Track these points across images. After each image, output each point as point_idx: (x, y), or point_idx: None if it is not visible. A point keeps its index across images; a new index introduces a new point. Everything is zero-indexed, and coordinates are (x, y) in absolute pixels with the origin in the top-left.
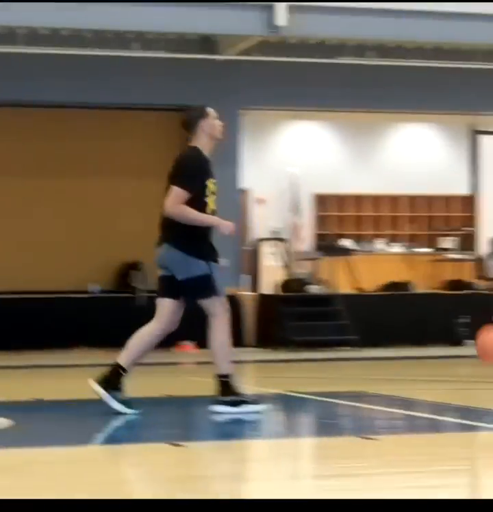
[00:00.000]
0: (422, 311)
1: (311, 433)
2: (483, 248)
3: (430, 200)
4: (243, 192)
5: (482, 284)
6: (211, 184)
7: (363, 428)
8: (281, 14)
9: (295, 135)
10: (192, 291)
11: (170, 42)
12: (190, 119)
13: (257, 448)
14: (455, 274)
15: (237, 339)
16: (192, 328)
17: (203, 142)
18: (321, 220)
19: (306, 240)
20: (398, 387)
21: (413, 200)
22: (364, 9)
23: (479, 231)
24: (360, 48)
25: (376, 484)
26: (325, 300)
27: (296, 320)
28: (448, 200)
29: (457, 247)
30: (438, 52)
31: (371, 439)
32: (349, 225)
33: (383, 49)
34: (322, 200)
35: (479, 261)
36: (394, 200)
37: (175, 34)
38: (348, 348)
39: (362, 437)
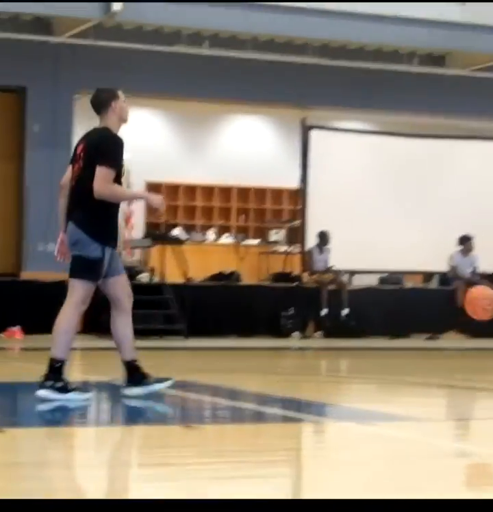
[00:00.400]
0: (249, 303)
1: (135, 421)
2: (310, 242)
3: (261, 193)
4: None
5: (308, 277)
6: (123, 167)
7: (188, 417)
8: None
9: (128, 121)
10: (75, 268)
11: (4, 22)
12: (101, 99)
13: (80, 436)
14: (283, 267)
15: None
16: (21, 314)
17: (112, 122)
18: (152, 209)
19: (136, 228)
20: (223, 377)
21: (244, 192)
22: None
23: (307, 225)
24: (197, 38)
25: (195, 474)
26: (154, 288)
27: None
28: (278, 193)
29: (286, 240)
30: (272, 45)
31: (194, 428)
32: (180, 214)
33: (219, 39)
34: (154, 189)
35: (307, 255)
36: (225, 191)
37: (9, 14)
38: (176, 337)
39: (186, 426)
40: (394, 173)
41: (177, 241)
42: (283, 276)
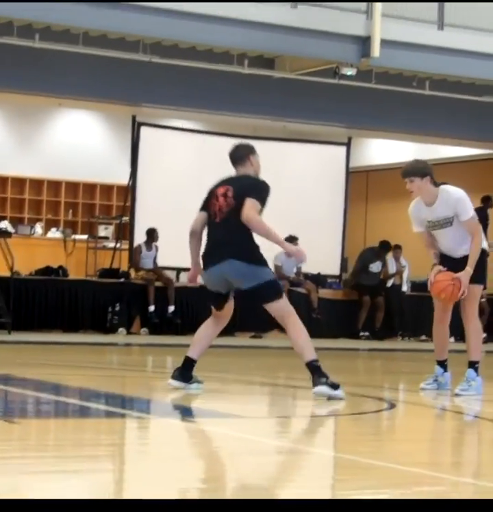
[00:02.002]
0: (76, 298)
1: None
2: (139, 238)
3: (90, 188)
4: None
5: (135, 274)
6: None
7: (7, 410)
8: None
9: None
10: (265, 296)
11: None
12: (240, 154)
13: None
14: (111, 263)
15: None
16: None
17: (251, 173)
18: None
19: None
20: (47, 372)
21: (73, 187)
22: None
23: (136, 221)
24: (27, 29)
25: (13, 468)
26: None
27: None
28: (108, 188)
29: (114, 236)
30: (104, 41)
31: (14, 422)
32: (8, 207)
33: (50, 32)
34: None
35: (135, 251)
36: (54, 184)
37: None
38: (0, 331)
39: (5, 420)
40: (223, 173)
41: (3, 233)
42: (110, 272)
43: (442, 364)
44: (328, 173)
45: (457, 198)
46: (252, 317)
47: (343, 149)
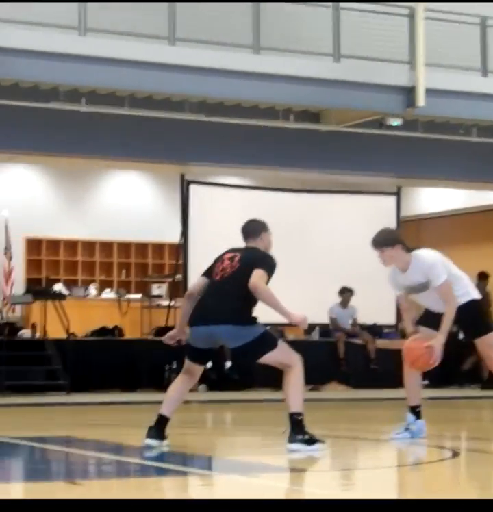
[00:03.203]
0: (132, 357)
1: (19, 478)
2: None
3: (142, 248)
4: None
5: None
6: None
7: (71, 472)
8: None
9: (6, 177)
10: (258, 351)
11: None
12: (253, 228)
13: None
14: (166, 321)
15: None
16: None
17: (261, 248)
18: (33, 264)
19: (17, 284)
20: (107, 432)
21: (125, 247)
22: (79, 56)
23: (189, 279)
24: (74, 94)
25: None
26: (36, 344)
27: (6, 363)
28: (159, 247)
29: (168, 294)
30: (150, 101)
31: (78, 484)
32: (61, 270)
33: (96, 96)
34: (34, 244)
35: None
36: (106, 246)
37: None
38: (59, 393)
39: (69, 482)
40: (273, 227)
41: (58, 296)
42: (165, 330)
43: (414, 410)
44: (378, 223)
45: (429, 265)
46: (309, 369)
47: (393, 199)
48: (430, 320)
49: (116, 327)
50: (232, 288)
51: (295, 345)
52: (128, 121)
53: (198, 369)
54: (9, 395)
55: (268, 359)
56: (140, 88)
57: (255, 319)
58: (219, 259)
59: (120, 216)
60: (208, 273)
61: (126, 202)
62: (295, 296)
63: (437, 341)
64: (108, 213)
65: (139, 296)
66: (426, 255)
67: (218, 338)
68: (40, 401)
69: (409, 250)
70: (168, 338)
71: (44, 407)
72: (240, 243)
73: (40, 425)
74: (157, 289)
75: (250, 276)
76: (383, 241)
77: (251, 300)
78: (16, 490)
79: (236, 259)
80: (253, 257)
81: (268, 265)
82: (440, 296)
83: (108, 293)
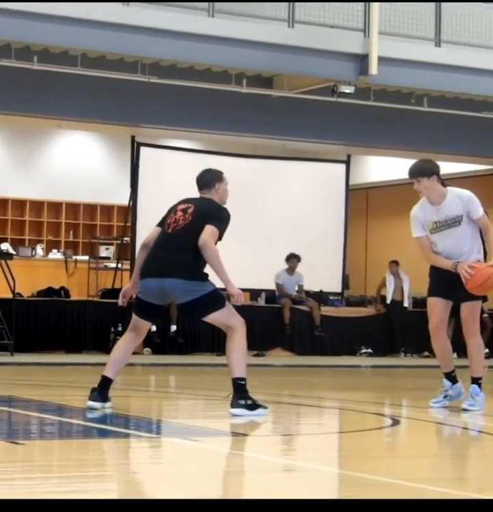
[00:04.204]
0: (78, 318)
1: None
2: None
3: (91, 209)
4: None
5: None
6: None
7: (12, 432)
8: None
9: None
10: (206, 307)
11: None
12: (206, 179)
13: None
14: (113, 283)
15: None
16: None
17: (216, 199)
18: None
19: None
20: (50, 393)
21: (74, 208)
22: (33, 14)
23: (137, 241)
24: (25, 52)
25: (19, 490)
26: None
27: None
28: (108, 209)
29: (116, 256)
30: (103, 62)
31: (19, 443)
32: (9, 229)
33: (48, 55)
34: None
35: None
36: (54, 206)
37: None
38: (3, 352)
39: (10, 442)
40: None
41: (4, 255)
42: (112, 292)
43: (450, 376)
44: (328, 191)
45: (470, 196)
46: (255, 335)
47: (342, 167)
48: (443, 290)
49: (62, 288)
50: (184, 242)
51: (240, 310)
52: (80, 81)
53: (145, 327)
54: None
55: (214, 318)
56: (91, 48)
57: (206, 275)
58: (172, 210)
59: (70, 177)
60: (162, 223)
61: (76, 163)
62: (243, 260)
63: None
64: (57, 173)
65: (86, 257)
66: (464, 190)
67: (167, 292)
68: None
69: (443, 184)
70: (121, 296)
71: None
72: None
73: None
74: (104, 251)
75: (202, 230)
76: (420, 170)
77: (202, 255)
78: None
79: (189, 211)
80: (207, 210)
81: (221, 219)
82: (482, 226)
83: (55, 254)
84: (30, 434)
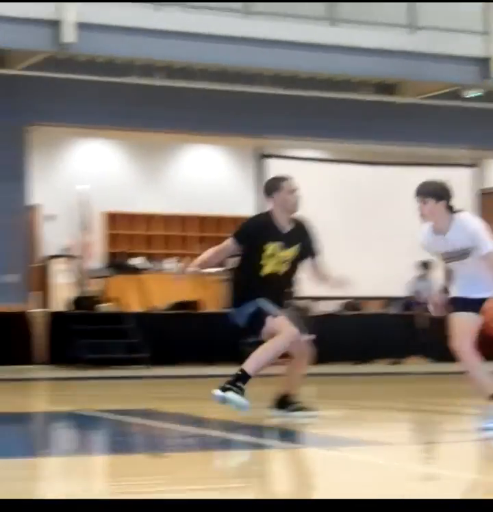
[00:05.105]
0: (211, 330)
1: (103, 451)
2: None
3: (218, 221)
4: (32, 208)
5: None
6: (270, 248)
7: (154, 445)
8: (69, 30)
9: (85, 152)
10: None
11: None
12: (266, 188)
13: (46, 466)
14: None
15: (26, 357)
16: None
17: (276, 210)
18: (111, 238)
19: (96, 258)
20: (188, 405)
21: (202, 221)
22: (153, 30)
23: None
24: (148, 68)
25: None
26: (115, 317)
27: (87, 337)
28: (236, 221)
29: None
30: (223, 75)
31: (162, 456)
32: (140, 244)
33: (171, 70)
34: (113, 219)
35: None
36: (183, 220)
37: None
38: (139, 366)
39: (153, 455)
40: (350, 200)
41: (137, 270)
42: None
43: None
44: (455, 196)
45: (475, 229)
46: (389, 343)
47: (469, 171)
48: (464, 305)
49: (195, 301)
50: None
51: (374, 318)
52: (203, 95)
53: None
54: (90, 369)
55: (266, 331)
56: (214, 62)
57: (244, 297)
58: None
59: (196, 190)
60: None
61: (201, 176)
62: (374, 268)
63: None
64: (184, 187)
65: (217, 269)
66: (472, 218)
67: None
68: (120, 374)
69: (452, 211)
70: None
71: (125, 380)
72: (316, 216)
73: (121, 398)
74: (232, 262)
75: None
76: (428, 191)
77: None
78: (101, 463)
79: None
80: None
81: (239, 230)
82: (487, 266)
83: None
84: (172, 447)
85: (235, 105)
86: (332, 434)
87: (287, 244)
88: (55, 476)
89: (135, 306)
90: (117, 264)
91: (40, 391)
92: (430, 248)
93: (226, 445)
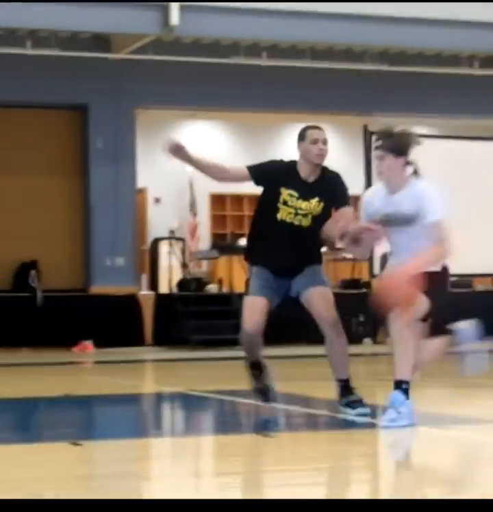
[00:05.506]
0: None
1: (211, 431)
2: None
3: None
4: (140, 191)
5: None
6: (285, 193)
7: (263, 425)
8: (175, 13)
9: (191, 134)
10: None
11: (63, 40)
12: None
13: (157, 446)
14: (352, 274)
15: (136, 338)
16: (91, 328)
17: (300, 159)
18: (218, 220)
19: (203, 239)
20: (296, 385)
21: None
22: (259, 10)
23: None
24: (254, 48)
25: (272, 482)
26: (222, 299)
27: (194, 318)
28: None
29: None
30: (330, 53)
31: (270, 436)
32: (246, 224)
33: (276, 50)
34: (219, 200)
35: (381, 260)
36: None
37: (68, 32)
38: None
39: (261, 434)
40: (461, 176)
41: (242, 250)
42: (352, 283)
43: None
44: None
45: (427, 192)
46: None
47: None
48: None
49: None
50: None
51: (485, 296)
52: (308, 74)
53: None
54: (198, 350)
55: None
56: (319, 40)
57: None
58: None
59: None
60: None
61: None
62: (479, 245)
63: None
64: None
65: (324, 249)
66: (429, 185)
67: None
68: (228, 355)
69: (414, 172)
70: None
71: (233, 361)
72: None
73: (229, 379)
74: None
75: None
76: (390, 145)
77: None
78: (209, 443)
79: None
80: None
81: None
82: (428, 236)
83: None
84: (279, 426)
85: (342, 83)
86: (440, 412)
87: (307, 195)
88: (164, 456)
89: (241, 287)
90: (223, 245)
91: (148, 372)
92: (372, 210)
93: (333, 424)
